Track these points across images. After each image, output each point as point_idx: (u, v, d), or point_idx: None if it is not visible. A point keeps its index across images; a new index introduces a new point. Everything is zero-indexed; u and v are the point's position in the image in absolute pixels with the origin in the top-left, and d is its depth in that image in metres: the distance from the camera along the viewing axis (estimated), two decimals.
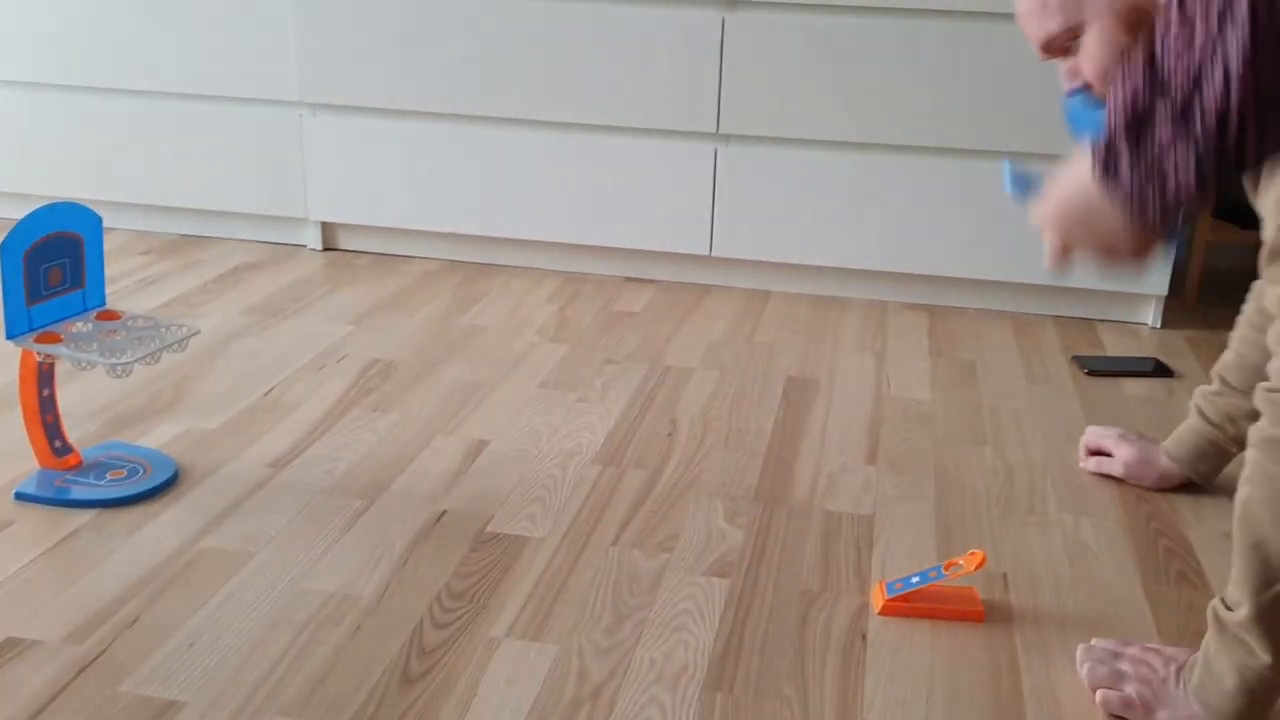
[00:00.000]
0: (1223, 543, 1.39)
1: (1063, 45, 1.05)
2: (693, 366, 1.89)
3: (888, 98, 2.10)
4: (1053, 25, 1.04)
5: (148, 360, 1.38)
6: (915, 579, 1.24)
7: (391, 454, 1.54)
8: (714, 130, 2.17)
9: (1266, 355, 1.04)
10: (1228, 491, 1.42)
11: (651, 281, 2.32)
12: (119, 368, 1.35)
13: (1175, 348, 2.06)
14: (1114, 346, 2.06)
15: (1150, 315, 2.18)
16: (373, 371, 1.81)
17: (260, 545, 1.31)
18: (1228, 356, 1.40)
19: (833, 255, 2.22)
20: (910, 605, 1.23)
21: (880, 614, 1.23)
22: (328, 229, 2.44)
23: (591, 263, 2.34)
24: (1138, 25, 1.00)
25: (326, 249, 2.44)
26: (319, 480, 1.46)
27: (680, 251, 2.28)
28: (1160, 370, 1.94)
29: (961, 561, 1.21)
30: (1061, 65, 1.07)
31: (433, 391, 1.75)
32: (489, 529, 1.36)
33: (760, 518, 1.41)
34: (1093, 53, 1.02)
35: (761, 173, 2.19)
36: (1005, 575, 1.31)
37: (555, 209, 2.28)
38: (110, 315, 1.44)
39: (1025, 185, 1.06)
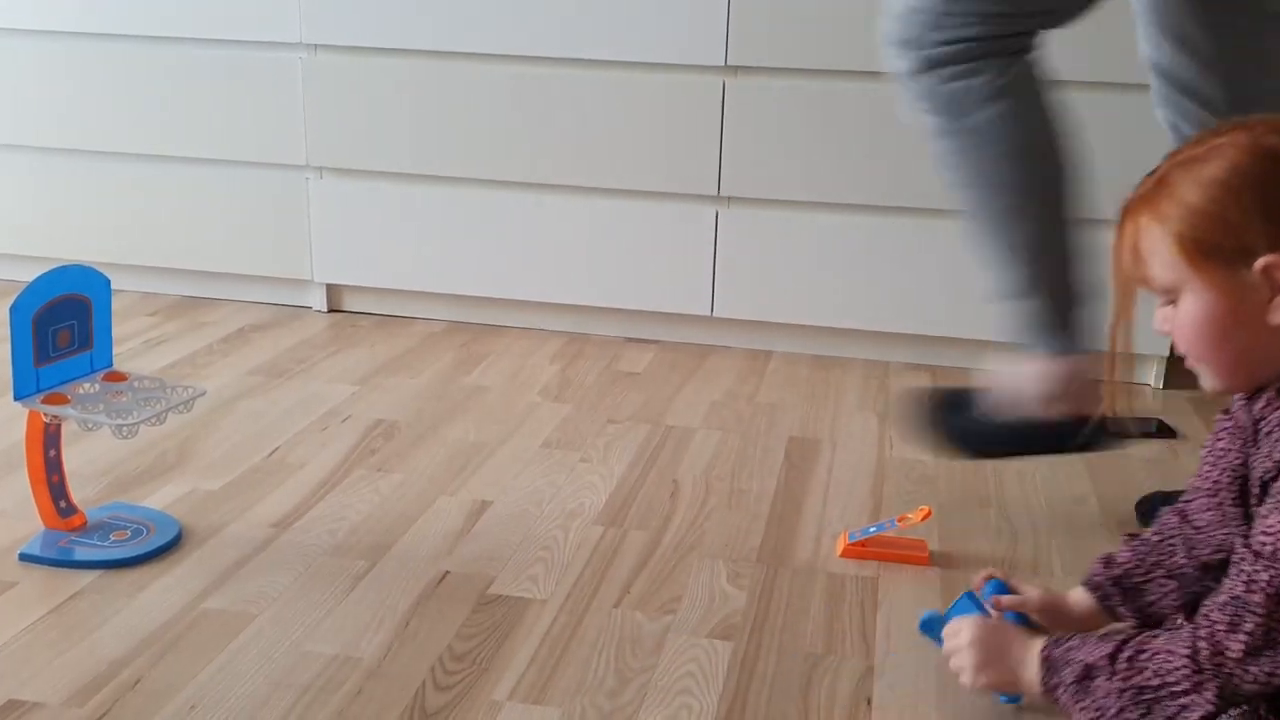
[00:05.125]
0: None
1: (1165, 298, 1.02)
2: (695, 427, 1.90)
3: (889, 159, 2.13)
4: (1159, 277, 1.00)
5: (153, 421, 1.39)
6: (872, 529, 1.46)
7: (394, 515, 1.54)
8: (715, 192, 2.20)
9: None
10: None
11: (653, 342, 2.33)
12: (125, 429, 1.35)
13: (1178, 408, 2.07)
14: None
15: (1152, 376, 2.19)
16: (376, 432, 1.82)
17: (262, 607, 1.30)
18: None
19: (834, 315, 2.24)
20: (868, 550, 1.45)
21: (841, 557, 1.46)
22: (333, 291, 2.46)
23: (594, 323, 2.36)
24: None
25: (331, 310, 2.46)
26: (322, 541, 1.46)
27: (682, 312, 2.29)
28: (1164, 431, 1.94)
29: (910, 515, 1.43)
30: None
31: (436, 452, 1.75)
32: (491, 590, 1.36)
33: (764, 579, 1.41)
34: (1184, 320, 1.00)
35: (763, 234, 2.22)
36: None
37: (558, 270, 2.30)
38: (117, 376, 1.45)
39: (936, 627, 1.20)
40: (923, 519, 1.43)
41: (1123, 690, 0.97)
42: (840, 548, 1.47)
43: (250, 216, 2.41)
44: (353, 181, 2.35)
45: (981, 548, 1.51)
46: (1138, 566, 1.17)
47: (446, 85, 2.25)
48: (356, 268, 2.40)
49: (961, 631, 1.11)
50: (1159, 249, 0.99)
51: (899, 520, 1.45)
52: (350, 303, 2.47)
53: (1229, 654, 0.92)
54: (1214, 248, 0.96)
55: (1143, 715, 0.96)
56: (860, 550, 1.46)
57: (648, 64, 2.16)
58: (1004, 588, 1.24)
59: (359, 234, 2.37)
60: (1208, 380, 1.04)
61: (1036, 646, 1.06)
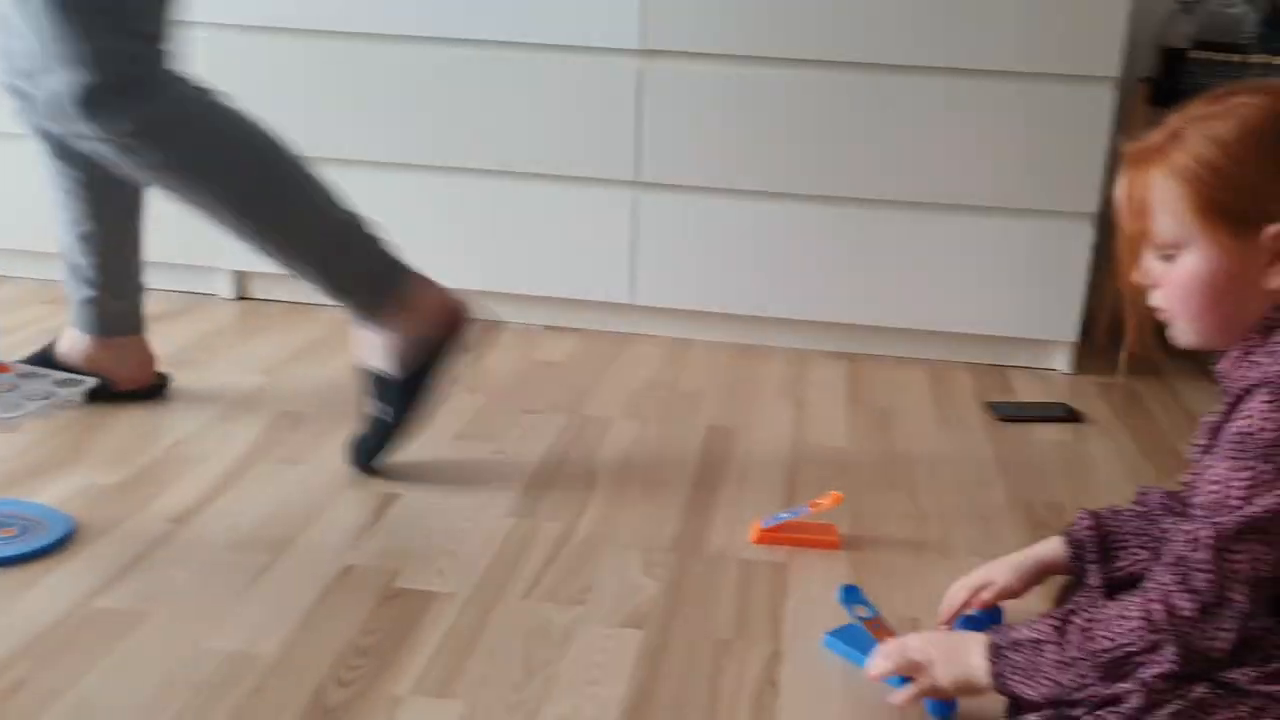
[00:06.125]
0: None
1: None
2: (613, 416, 1.88)
3: (808, 147, 2.13)
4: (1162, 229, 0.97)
5: (41, 413, 1.33)
6: (784, 515, 1.47)
7: (299, 507, 1.50)
8: (634, 178, 2.19)
9: None
10: None
11: (573, 330, 2.31)
12: (10, 421, 1.30)
13: (1085, 393, 2.10)
14: (1025, 392, 2.10)
15: (1061, 361, 2.22)
16: (283, 423, 1.77)
17: (158, 604, 1.26)
18: None
19: (754, 304, 2.24)
20: (780, 536, 1.45)
21: (754, 543, 1.45)
22: (241, 277, 2.40)
23: (511, 311, 2.33)
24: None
25: (240, 298, 2.40)
26: (222, 536, 1.42)
27: (601, 299, 2.28)
28: (1070, 416, 1.97)
29: (821, 500, 1.45)
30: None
31: (344, 443, 1.71)
32: (396, 584, 1.33)
33: (676, 568, 1.40)
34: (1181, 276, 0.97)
35: (683, 220, 2.21)
36: (915, 620, 1.30)
37: (475, 255, 2.27)
38: (1, 368, 1.39)
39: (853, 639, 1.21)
40: (833, 504, 1.43)
41: (1077, 659, 0.95)
42: (753, 534, 1.47)
43: (153, 202, 2.34)
44: None
45: (891, 531, 1.52)
46: (1120, 529, 1.17)
47: (364, 68, 2.20)
48: None
49: (906, 644, 1.08)
50: (1169, 204, 0.96)
51: (810, 506, 1.45)
52: (259, 289, 2.41)
53: (1182, 613, 0.91)
54: (1227, 209, 0.94)
55: (1102, 679, 0.94)
56: (773, 536, 1.46)
57: (560, 46, 2.14)
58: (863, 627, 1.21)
59: None
60: (1186, 336, 1.01)
61: (981, 638, 1.03)
